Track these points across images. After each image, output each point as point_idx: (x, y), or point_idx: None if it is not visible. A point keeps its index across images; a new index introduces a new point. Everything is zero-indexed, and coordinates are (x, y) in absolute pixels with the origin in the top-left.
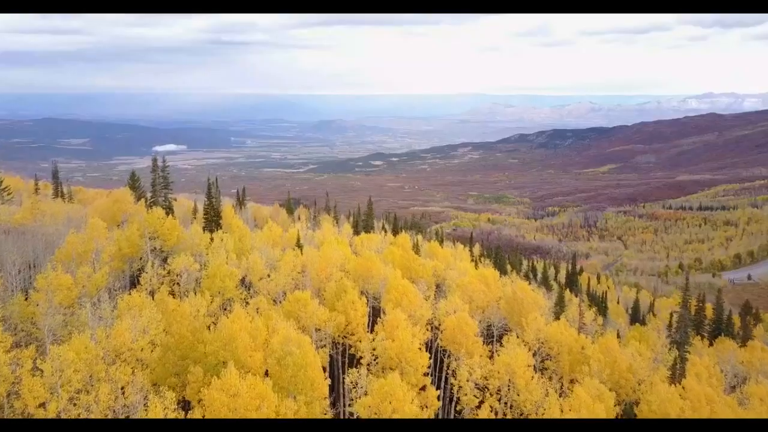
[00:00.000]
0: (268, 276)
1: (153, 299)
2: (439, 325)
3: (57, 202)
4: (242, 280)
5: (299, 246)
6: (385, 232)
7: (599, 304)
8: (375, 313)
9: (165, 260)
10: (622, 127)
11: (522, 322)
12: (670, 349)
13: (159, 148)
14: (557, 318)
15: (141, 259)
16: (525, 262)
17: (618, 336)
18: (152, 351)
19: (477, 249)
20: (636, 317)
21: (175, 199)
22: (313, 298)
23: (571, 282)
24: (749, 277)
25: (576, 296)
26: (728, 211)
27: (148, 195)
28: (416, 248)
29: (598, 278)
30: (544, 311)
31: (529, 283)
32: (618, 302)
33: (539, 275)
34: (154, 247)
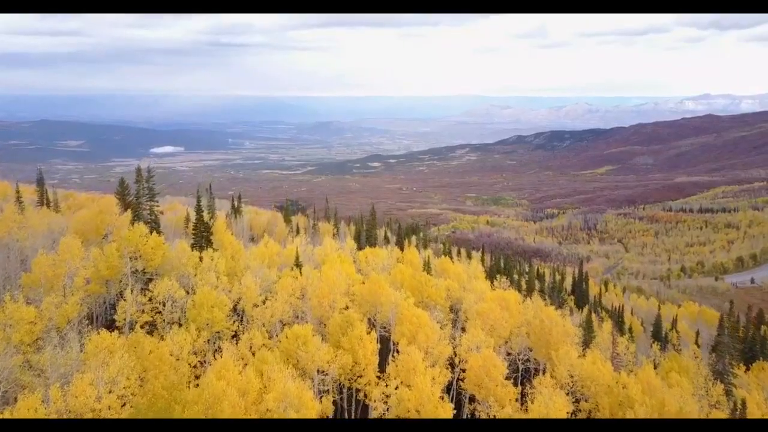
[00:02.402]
0: (264, 303)
1: (132, 332)
2: (460, 362)
3: (41, 211)
4: (234, 307)
5: (298, 265)
6: (388, 241)
7: (617, 320)
8: (383, 342)
9: (148, 283)
10: (619, 129)
11: (551, 356)
12: (714, 383)
13: (156, 150)
14: (586, 345)
15: (121, 281)
16: (529, 268)
17: (655, 366)
18: (122, 408)
19: (483, 256)
20: (658, 335)
21: (162, 213)
22: (315, 334)
23: (580, 292)
24: (752, 281)
25: (596, 314)
26: (729, 214)
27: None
28: (426, 265)
29: (606, 285)
30: (574, 339)
31: (542, 296)
32: (632, 313)
33: (546, 283)
34: (135, 269)
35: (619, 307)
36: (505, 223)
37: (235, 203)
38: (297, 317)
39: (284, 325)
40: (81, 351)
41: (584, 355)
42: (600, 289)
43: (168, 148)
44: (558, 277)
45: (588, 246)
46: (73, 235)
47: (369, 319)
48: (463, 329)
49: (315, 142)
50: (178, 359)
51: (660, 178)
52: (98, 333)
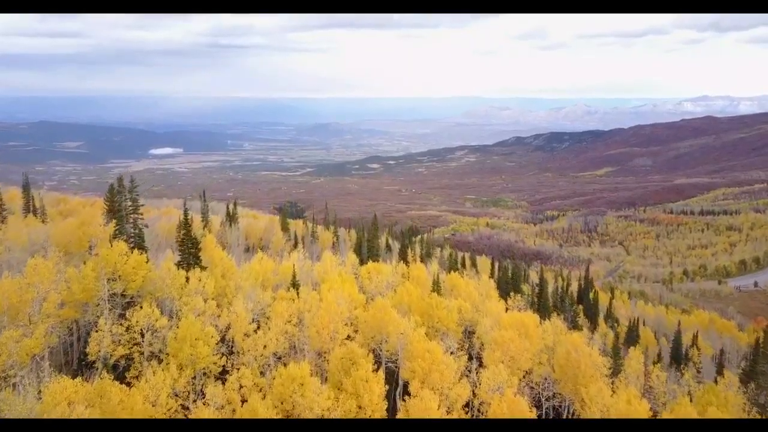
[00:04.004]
0: (256, 331)
1: (104, 372)
2: (480, 404)
3: (25, 219)
4: (223, 337)
5: (295, 286)
6: (390, 248)
7: (633, 336)
8: (390, 374)
9: (128, 307)
10: (618, 130)
11: (581, 392)
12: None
13: (155, 151)
14: (614, 374)
15: (98, 305)
16: (540, 279)
17: (690, 399)
18: None
19: (492, 269)
20: (677, 353)
21: (146, 226)
22: (313, 374)
23: (588, 302)
24: (756, 284)
25: (612, 330)
26: (731, 216)
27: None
28: (436, 284)
29: (612, 292)
30: (603, 371)
31: (556, 311)
32: (643, 324)
33: (553, 289)
34: (114, 292)
35: (634, 320)
36: (504, 225)
37: (231, 210)
38: (293, 348)
39: (279, 358)
40: (38, 399)
41: (614, 389)
42: (609, 299)
43: (167, 150)
44: (562, 283)
45: (589, 248)
46: (54, 249)
47: (373, 351)
48: (479, 359)
49: (314, 144)
50: (154, 405)
51: (659, 179)
52: (59, 379)
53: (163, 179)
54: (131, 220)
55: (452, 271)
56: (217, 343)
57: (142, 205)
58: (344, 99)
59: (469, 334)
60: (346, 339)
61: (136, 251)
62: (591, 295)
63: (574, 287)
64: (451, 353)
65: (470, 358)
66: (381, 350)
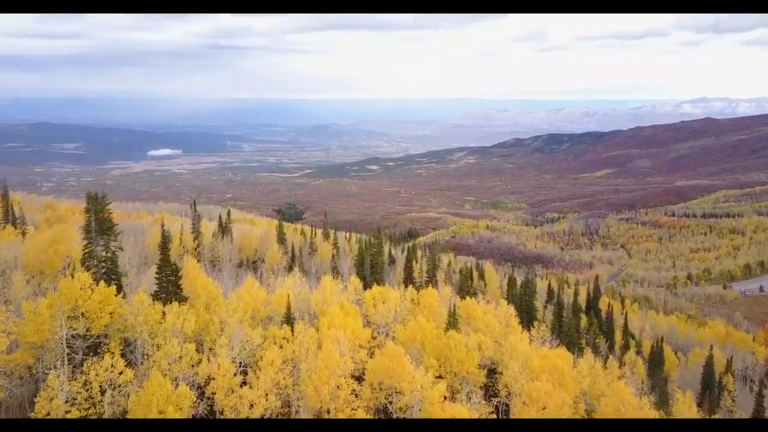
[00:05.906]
0: (242, 385)
1: None
2: None
3: (2, 232)
4: (202, 392)
5: (290, 322)
6: (393, 261)
7: (658, 358)
8: None
9: (92, 352)
10: (618, 132)
11: None
12: None
13: (154, 153)
14: None
15: (57, 348)
16: (540, 282)
17: None
18: None
19: (510, 292)
20: (710, 381)
21: (122, 248)
22: None
23: (600, 314)
24: (761, 289)
25: (633, 350)
26: (733, 219)
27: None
28: (452, 316)
29: (623, 302)
30: None
31: (579, 338)
32: (662, 341)
33: (558, 297)
34: (75, 333)
35: (658, 340)
36: (505, 227)
37: (223, 221)
38: (286, 405)
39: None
40: None
41: None
42: (624, 312)
43: (166, 151)
44: (569, 291)
45: (590, 252)
46: (24, 269)
47: (381, 410)
48: (506, 412)
49: (313, 145)
50: None
51: (660, 181)
52: None
53: (162, 180)
54: (102, 244)
55: (466, 295)
56: (194, 402)
57: (116, 225)
58: (343, 100)
59: (490, 372)
60: (351, 394)
61: (102, 283)
62: (602, 305)
63: (582, 295)
64: (475, 409)
65: (498, 413)
66: (391, 405)
